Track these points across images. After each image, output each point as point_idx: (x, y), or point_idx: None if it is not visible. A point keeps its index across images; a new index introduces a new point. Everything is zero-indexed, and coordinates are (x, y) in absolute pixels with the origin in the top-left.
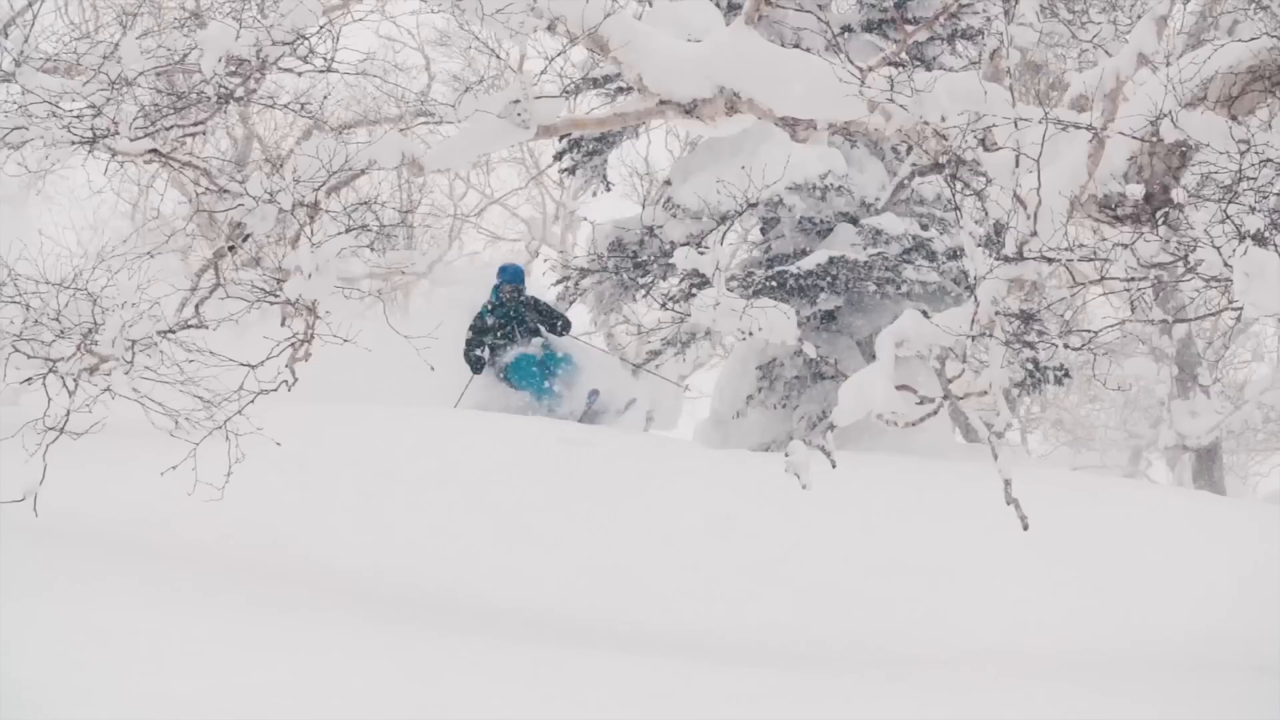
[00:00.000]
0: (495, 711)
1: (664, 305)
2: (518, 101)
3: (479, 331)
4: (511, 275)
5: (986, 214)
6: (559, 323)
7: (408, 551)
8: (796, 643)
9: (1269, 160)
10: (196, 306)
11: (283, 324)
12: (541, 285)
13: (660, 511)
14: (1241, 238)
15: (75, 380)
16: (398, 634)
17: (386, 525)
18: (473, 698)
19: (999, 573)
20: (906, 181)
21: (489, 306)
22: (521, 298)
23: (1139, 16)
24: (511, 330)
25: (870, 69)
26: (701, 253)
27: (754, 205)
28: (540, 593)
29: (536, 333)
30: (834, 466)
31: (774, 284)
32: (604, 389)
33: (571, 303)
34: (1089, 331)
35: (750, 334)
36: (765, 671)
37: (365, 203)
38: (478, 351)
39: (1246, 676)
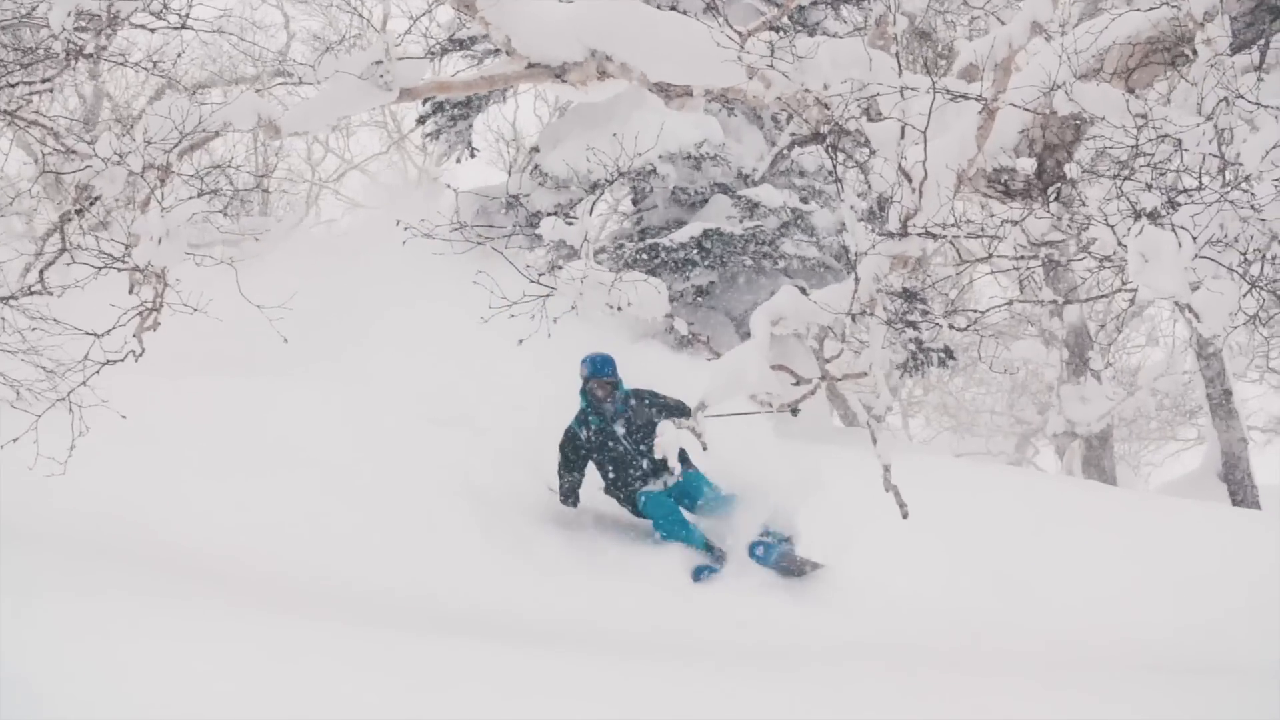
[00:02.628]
0: (345, 697)
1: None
2: (380, 62)
3: (573, 454)
4: (600, 368)
5: (869, 187)
6: (672, 415)
7: (259, 531)
8: (662, 631)
9: (1167, 135)
10: (41, 272)
11: (131, 291)
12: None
13: (525, 496)
14: (1137, 216)
15: None
16: (249, 617)
17: (238, 503)
18: (323, 683)
19: (880, 563)
20: (786, 152)
21: (581, 417)
22: (618, 393)
23: None
24: (617, 446)
25: (750, 33)
26: (569, 223)
27: (625, 174)
28: (399, 576)
29: (645, 441)
30: (705, 449)
31: (645, 257)
32: (774, 519)
33: None
34: (975, 311)
35: (619, 309)
36: (636, 662)
37: (219, 166)
38: (570, 484)
39: (1140, 675)
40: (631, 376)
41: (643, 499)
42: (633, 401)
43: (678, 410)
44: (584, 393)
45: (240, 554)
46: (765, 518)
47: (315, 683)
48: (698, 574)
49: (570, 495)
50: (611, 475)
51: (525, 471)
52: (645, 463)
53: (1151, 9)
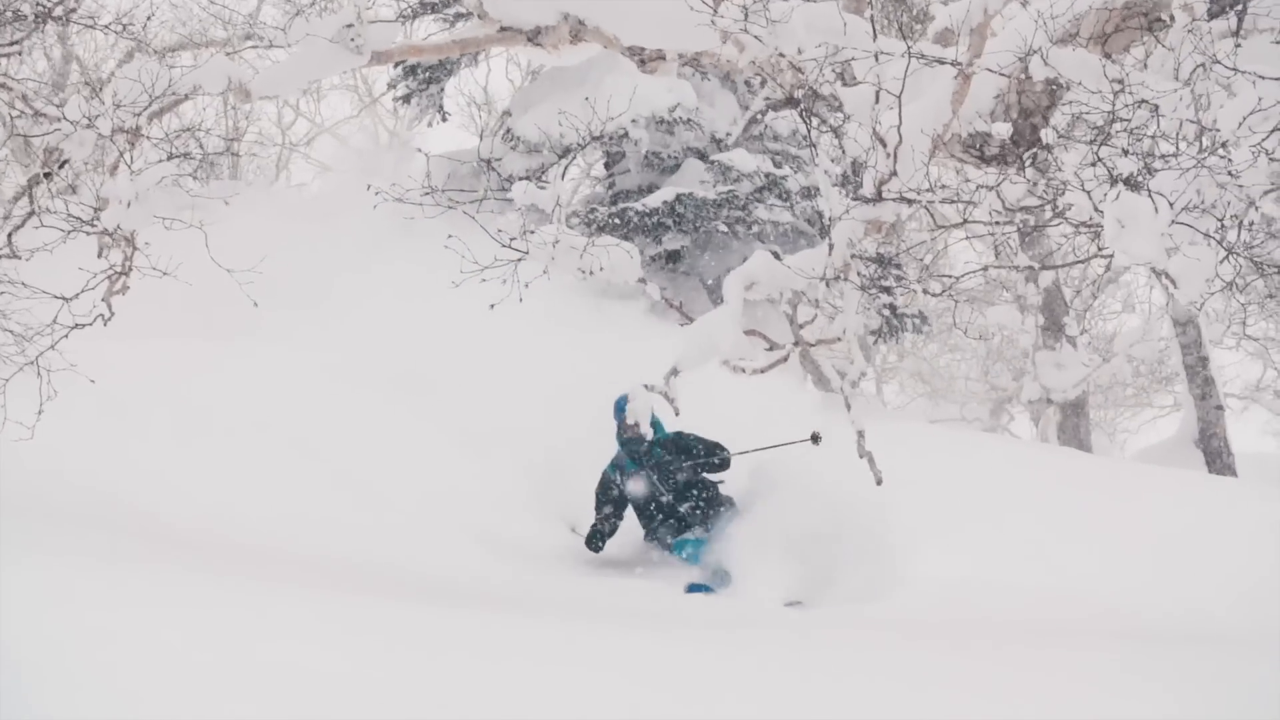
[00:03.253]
0: (320, 663)
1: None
2: (351, 26)
3: (607, 499)
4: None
5: (844, 152)
6: (711, 462)
7: (227, 497)
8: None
9: (1143, 101)
10: (9, 235)
11: (100, 255)
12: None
13: (489, 463)
14: (1113, 182)
15: None
16: (220, 584)
17: (206, 468)
18: (297, 649)
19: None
20: (760, 116)
21: (616, 461)
22: (655, 438)
23: None
24: (654, 492)
25: None
26: (541, 187)
27: (598, 138)
28: (369, 544)
29: (684, 487)
30: (677, 414)
31: (617, 221)
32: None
33: None
34: (950, 277)
35: (592, 273)
36: (593, 624)
37: (189, 129)
38: (599, 529)
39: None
40: (603, 343)
41: (679, 546)
42: (666, 449)
43: (712, 454)
44: (622, 436)
45: (208, 521)
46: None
47: (289, 648)
48: (691, 588)
49: (597, 539)
50: (649, 522)
51: (498, 440)
52: (685, 509)
53: None
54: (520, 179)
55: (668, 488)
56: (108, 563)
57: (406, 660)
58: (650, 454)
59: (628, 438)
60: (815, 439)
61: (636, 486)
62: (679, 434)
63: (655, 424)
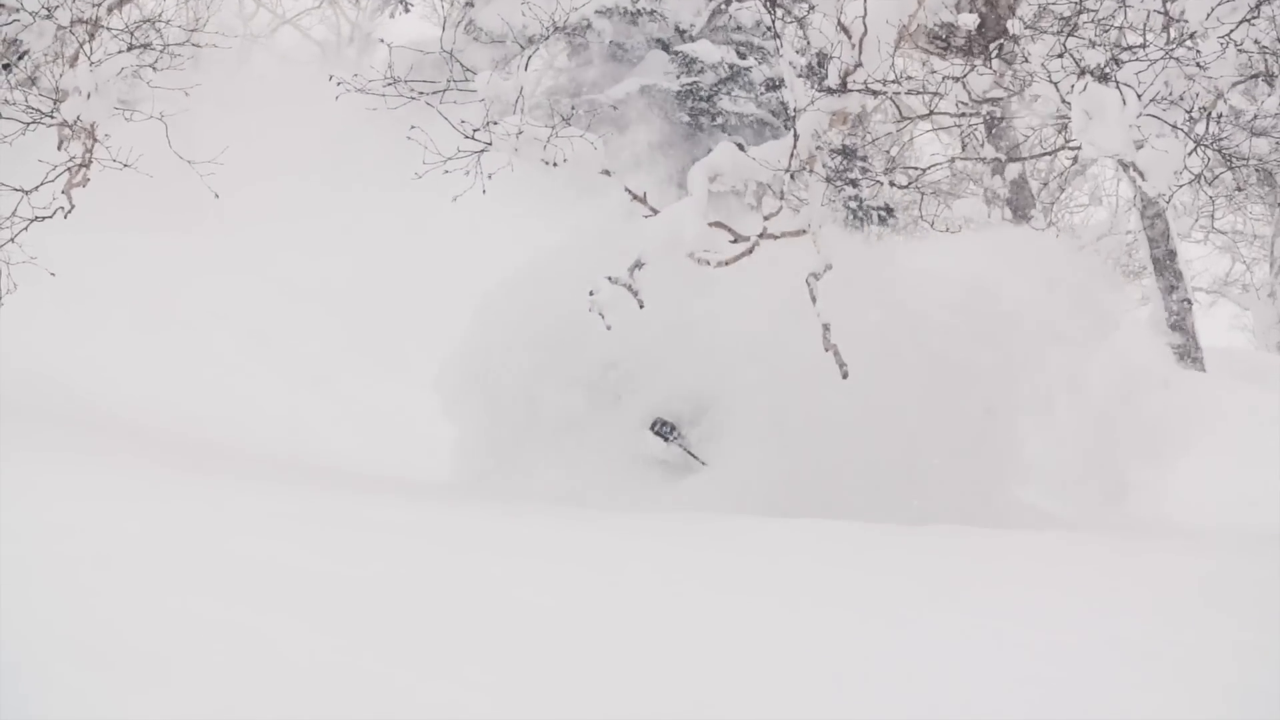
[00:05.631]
0: (274, 557)
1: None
2: None
3: None
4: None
5: (808, 42)
6: None
7: (187, 389)
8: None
9: None
10: None
11: (60, 147)
12: None
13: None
14: (1081, 73)
15: None
16: (179, 478)
17: (163, 362)
18: (252, 544)
19: None
20: (724, 7)
21: None
22: None
23: None
24: None
25: None
26: (505, 79)
27: (561, 29)
28: (323, 436)
29: None
30: (641, 307)
31: (581, 112)
32: None
33: None
34: (916, 169)
35: (555, 164)
36: (562, 521)
37: (149, 20)
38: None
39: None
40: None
41: None
42: None
43: None
44: None
45: (168, 415)
46: None
47: (253, 542)
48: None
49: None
50: None
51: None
52: None
53: None
54: (484, 70)
55: None
56: (68, 456)
57: (374, 553)
58: None
59: None
60: None
61: None
62: None
63: None
